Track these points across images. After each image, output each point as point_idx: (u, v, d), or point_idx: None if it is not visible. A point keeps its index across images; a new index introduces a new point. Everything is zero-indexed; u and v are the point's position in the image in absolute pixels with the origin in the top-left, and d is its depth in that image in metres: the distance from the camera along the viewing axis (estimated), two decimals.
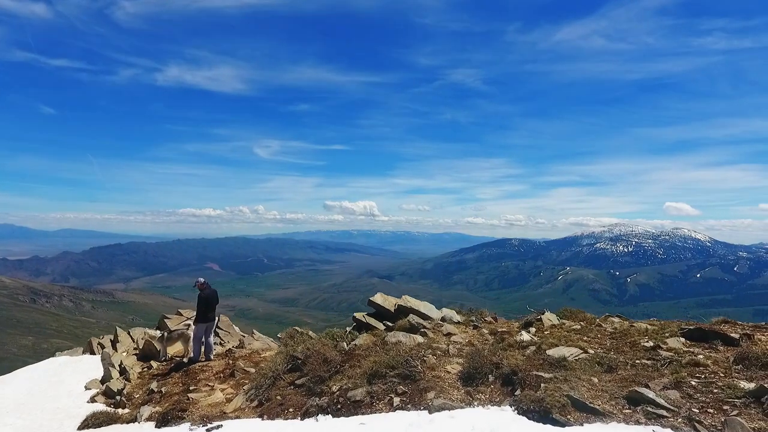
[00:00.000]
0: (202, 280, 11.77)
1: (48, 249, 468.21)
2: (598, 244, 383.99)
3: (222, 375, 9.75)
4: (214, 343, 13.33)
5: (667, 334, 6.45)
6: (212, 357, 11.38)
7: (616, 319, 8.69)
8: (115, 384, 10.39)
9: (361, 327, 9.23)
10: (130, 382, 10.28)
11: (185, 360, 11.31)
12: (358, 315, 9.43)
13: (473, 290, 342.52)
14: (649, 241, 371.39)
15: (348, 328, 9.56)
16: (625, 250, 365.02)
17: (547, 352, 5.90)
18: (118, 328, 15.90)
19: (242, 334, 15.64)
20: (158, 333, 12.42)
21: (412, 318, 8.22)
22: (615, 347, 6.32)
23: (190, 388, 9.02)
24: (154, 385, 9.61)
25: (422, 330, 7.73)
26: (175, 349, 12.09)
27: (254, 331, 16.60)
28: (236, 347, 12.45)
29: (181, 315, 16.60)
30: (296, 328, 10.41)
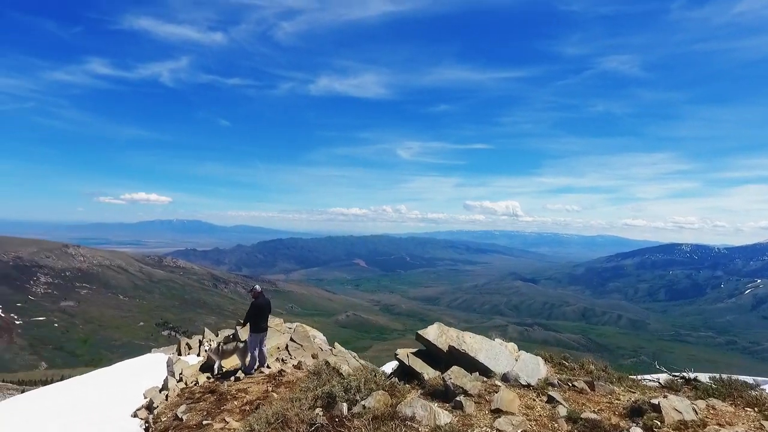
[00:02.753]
0: (258, 288, 10.72)
1: (226, 242, 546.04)
2: None
3: (249, 406, 8.30)
4: (281, 360, 12.16)
5: None
6: (266, 366, 10.75)
7: None
8: (158, 398, 9.67)
9: (404, 372, 6.92)
10: (167, 400, 9.47)
11: (239, 375, 10.32)
12: (402, 353, 7.11)
13: (633, 300, 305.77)
14: None
15: (390, 368, 7.31)
16: None
17: None
18: (206, 329, 15.78)
19: (320, 347, 14.26)
20: (214, 344, 11.53)
21: (452, 376, 5.62)
22: None
23: (204, 422, 7.73)
24: (181, 409, 8.58)
25: (459, 399, 5.15)
26: (232, 362, 11.15)
27: (336, 343, 15.15)
28: (295, 366, 11.00)
29: None
30: (327, 360, 8.52)
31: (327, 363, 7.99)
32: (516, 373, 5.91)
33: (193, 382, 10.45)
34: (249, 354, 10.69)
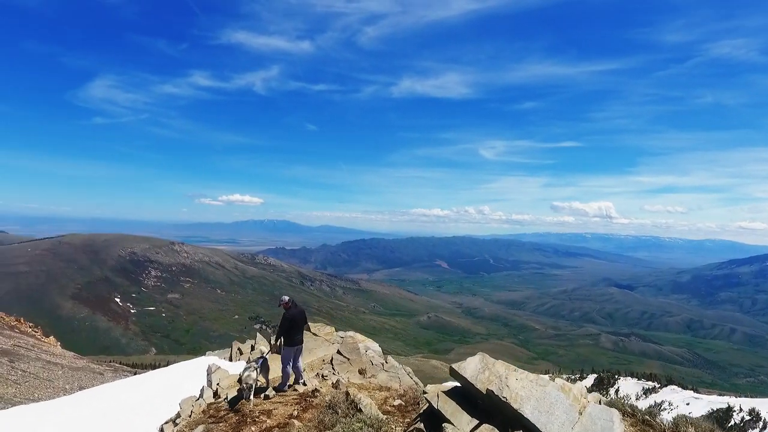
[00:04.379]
0: (286, 298, 9.79)
1: (312, 241, 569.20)
2: None
3: None
4: (320, 376, 11.18)
5: None
6: (302, 383, 9.76)
7: None
8: (187, 411, 9.10)
9: (433, 417, 5.50)
10: (191, 416, 8.83)
11: (269, 393, 9.41)
12: (432, 392, 5.68)
13: (750, 313, 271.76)
14: None
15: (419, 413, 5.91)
16: None
17: None
18: (258, 333, 15.35)
19: (371, 360, 13.09)
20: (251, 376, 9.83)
21: None
22: None
23: None
24: (198, 430, 7.85)
25: None
26: (260, 380, 10.34)
27: (389, 357, 13.90)
28: (333, 385, 9.93)
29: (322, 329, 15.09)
30: (348, 391, 7.22)
31: (347, 395, 6.78)
32: None
33: (224, 397, 9.78)
34: (281, 369, 9.77)
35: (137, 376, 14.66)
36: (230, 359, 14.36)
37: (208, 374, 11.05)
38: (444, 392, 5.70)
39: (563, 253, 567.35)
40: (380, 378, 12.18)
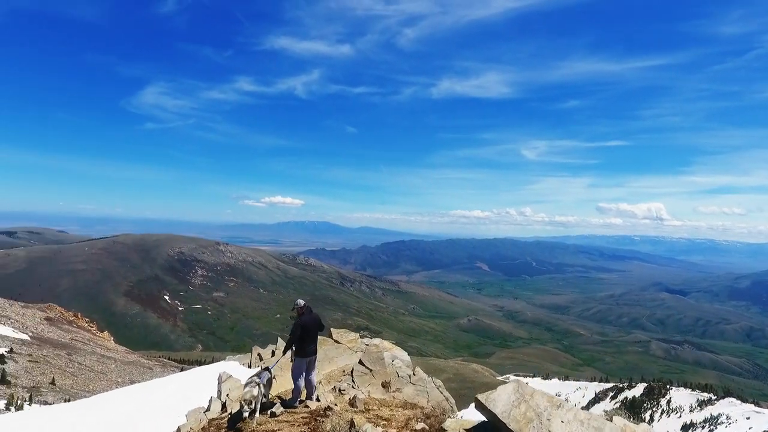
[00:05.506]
0: (302, 302, 8.77)
1: (352, 243, 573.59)
2: None
3: None
4: (337, 390, 10.11)
5: None
6: (315, 398, 8.74)
7: None
8: (189, 426, 8.27)
9: None
10: None
11: (275, 410, 8.42)
12: (452, 429, 4.50)
13: None
14: None
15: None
16: None
17: None
18: (279, 338, 14.51)
19: (397, 371, 11.93)
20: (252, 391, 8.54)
21: None
22: None
23: None
24: None
25: None
26: (274, 390, 9.36)
27: (417, 369, 12.69)
28: (350, 402, 8.85)
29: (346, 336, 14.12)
30: (353, 419, 6.07)
31: (352, 424, 5.65)
32: None
33: (230, 411, 8.89)
34: (292, 381, 8.75)
35: (156, 380, 14.17)
36: (249, 366, 13.60)
37: (218, 383, 10.24)
38: (467, 430, 4.49)
39: (610, 256, 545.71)
40: (406, 393, 11.02)
